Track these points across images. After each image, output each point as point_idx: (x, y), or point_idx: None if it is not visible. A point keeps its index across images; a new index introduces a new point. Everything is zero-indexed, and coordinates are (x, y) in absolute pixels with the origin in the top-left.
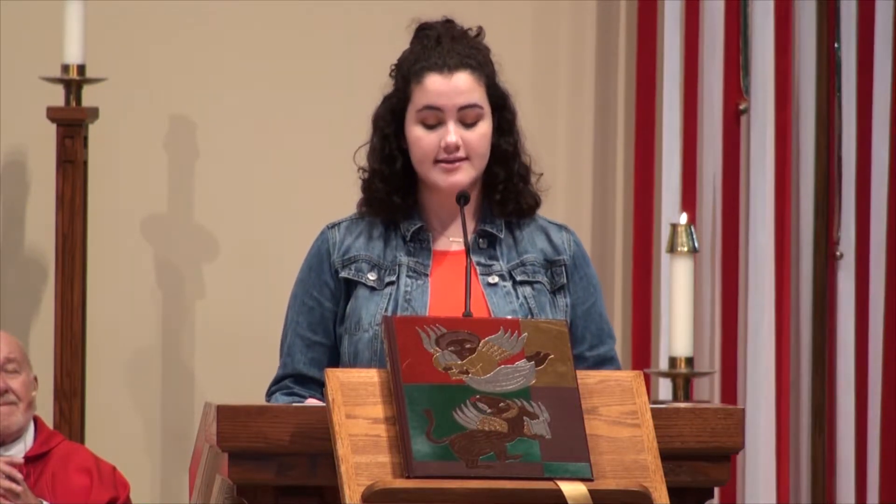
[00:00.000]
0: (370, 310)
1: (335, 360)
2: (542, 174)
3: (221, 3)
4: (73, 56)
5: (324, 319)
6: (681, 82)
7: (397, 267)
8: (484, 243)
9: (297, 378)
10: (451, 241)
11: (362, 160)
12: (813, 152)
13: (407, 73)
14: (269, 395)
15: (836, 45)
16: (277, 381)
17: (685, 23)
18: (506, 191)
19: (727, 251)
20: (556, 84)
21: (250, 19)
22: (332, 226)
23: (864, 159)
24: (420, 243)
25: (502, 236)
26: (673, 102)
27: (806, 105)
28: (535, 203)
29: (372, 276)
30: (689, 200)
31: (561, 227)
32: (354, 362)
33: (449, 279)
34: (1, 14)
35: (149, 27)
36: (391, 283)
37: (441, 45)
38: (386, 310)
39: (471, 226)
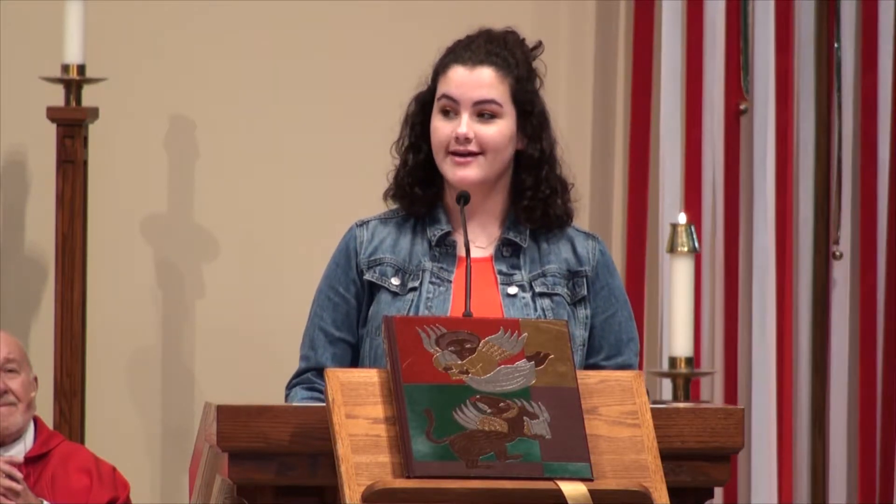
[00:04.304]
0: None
1: (357, 359)
2: (573, 184)
3: (221, 3)
4: (73, 56)
5: (348, 317)
6: (681, 82)
7: (421, 272)
8: (507, 251)
9: (320, 372)
10: (475, 246)
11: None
12: (813, 152)
13: (437, 66)
14: (290, 388)
15: (836, 44)
16: (299, 374)
17: (685, 23)
18: (533, 198)
19: (727, 251)
20: (556, 84)
21: (250, 19)
22: (361, 223)
23: (864, 159)
24: (446, 248)
25: (526, 245)
26: (673, 102)
27: (806, 105)
28: (566, 215)
29: (395, 281)
30: (689, 200)
31: (588, 236)
32: (374, 365)
33: (471, 286)
34: (1, 14)
35: (149, 27)
36: (413, 288)
37: (474, 42)
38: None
39: (496, 232)
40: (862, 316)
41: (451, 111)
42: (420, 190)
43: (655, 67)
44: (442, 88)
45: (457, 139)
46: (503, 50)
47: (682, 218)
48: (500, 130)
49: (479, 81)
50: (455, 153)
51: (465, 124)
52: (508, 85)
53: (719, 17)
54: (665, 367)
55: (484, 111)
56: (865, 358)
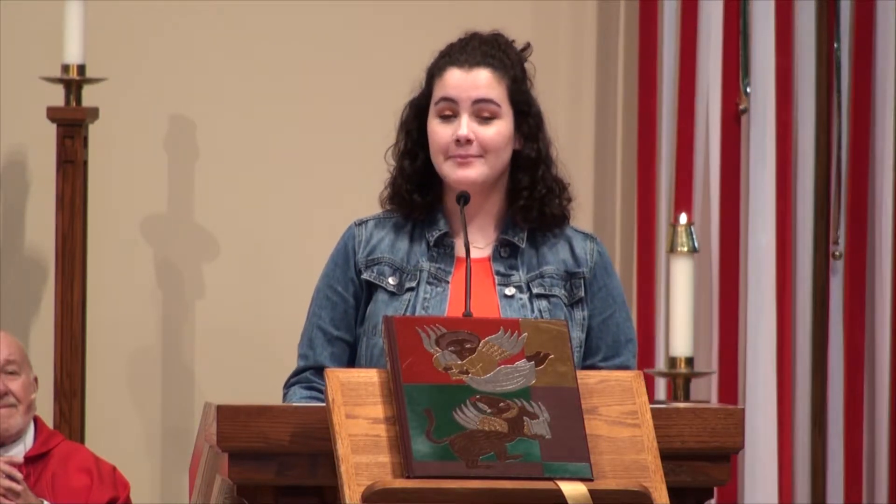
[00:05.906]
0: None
1: (355, 358)
2: (569, 184)
3: (222, 3)
4: (73, 56)
5: (346, 315)
6: (680, 82)
7: (419, 273)
8: (505, 252)
9: (318, 371)
10: (473, 247)
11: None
12: (813, 152)
13: (432, 70)
14: (288, 387)
15: (835, 45)
16: (297, 373)
17: (684, 23)
18: (530, 198)
19: (727, 251)
20: (556, 84)
21: (250, 19)
22: (360, 223)
23: (864, 159)
24: (443, 249)
25: (523, 246)
26: (672, 102)
27: (806, 105)
28: (563, 216)
29: (392, 281)
30: (688, 200)
31: (586, 237)
32: (371, 364)
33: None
34: (1, 14)
35: (149, 27)
36: (411, 288)
37: (468, 44)
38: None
39: (493, 233)
40: (862, 315)
41: (449, 114)
42: (419, 196)
43: (660, 67)
44: (439, 92)
45: (457, 141)
46: (498, 51)
47: (683, 218)
48: (500, 131)
49: (476, 82)
50: (457, 156)
51: (465, 125)
52: (505, 85)
53: (718, 18)
54: (665, 367)
55: (483, 111)
56: (866, 357)
